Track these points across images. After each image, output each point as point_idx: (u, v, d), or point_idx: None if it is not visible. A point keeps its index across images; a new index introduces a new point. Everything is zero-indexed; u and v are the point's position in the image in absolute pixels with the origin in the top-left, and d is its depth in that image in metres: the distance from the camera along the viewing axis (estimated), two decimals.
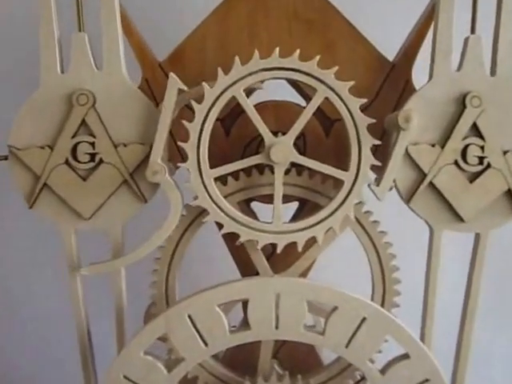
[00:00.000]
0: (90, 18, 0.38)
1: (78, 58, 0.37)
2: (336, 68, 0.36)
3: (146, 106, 0.38)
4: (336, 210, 0.37)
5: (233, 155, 0.42)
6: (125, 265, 0.39)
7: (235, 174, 0.39)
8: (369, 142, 0.36)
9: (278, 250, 0.37)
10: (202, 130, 0.36)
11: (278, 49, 0.35)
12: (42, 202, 0.38)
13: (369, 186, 0.37)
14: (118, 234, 0.39)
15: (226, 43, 0.41)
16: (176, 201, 0.37)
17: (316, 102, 0.36)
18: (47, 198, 0.38)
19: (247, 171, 0.39)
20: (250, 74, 0.36)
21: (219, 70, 0.35)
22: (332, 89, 0.36)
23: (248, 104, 0.36)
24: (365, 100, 0.36)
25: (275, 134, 0.38)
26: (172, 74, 0.36)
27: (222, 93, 0.36)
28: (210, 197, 0.37)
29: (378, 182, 0.37)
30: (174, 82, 0.36)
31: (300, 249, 0.37)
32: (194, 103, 0.36)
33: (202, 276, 0.49)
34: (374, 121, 0.36)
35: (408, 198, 0.39)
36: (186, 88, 0.36)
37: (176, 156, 0.40)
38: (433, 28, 0.37)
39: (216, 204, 0.37)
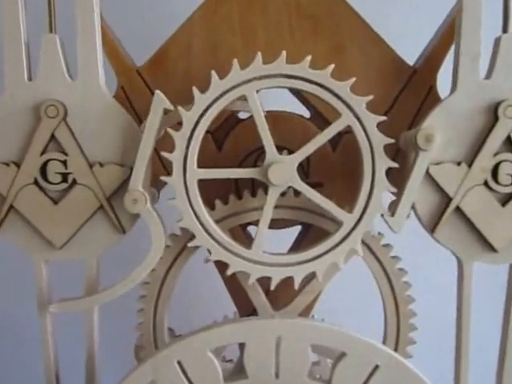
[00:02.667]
0: (63, 18, 0.33)
1: (48, 63, 0.33)
2: (353, 80, 0.31)
3: (126, 122, 0.33)
4: (340, 242, 0.32)
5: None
6: (98, 304, 0.35)
7: (224, 198, 0.35)
8: (384, 164, 0.31)
9: (272, 287, 0.33)
10: (190, 141, 0.31)
11: (284, 52, 0.30)
12: (9, 226, 0.34)
13: (382, 216, 0.32)
14: (92, 267, 0.35)
15: (215, 45, 0.35)
16: (158, 235, 0.33)
17: (337, 127, 0.31)
18: (15, 222, 0.34)
19: (238, 194, 0.35)
20: (250, 81, 0.31)
21: (213, 73, 0.31)
22: (349, 106, 0.31)
23: (259, 109, 0.31)
24: (383, 118, 0.31)
25: (276, 147, 0.32)
26: (158, 92, 0.31)
27: (216, 100, 0.31)
28: (197, 217, 0.32)
29: (392, 209, 0.32)
30: (160, 101, 0.31)
31: (297, 286, 0.33)
32: (180, 109, 0.31)
33: (193, 313, 0.44)
34: (392, 141, 0.31)
35: (432, 228, 0.34)
36: (172, 107, 0.31)
37: (160, 172, 0.35)
38: (456, 29, 0.32)
39: (203, 226, 0.32)
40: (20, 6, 0.32)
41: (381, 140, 0.31)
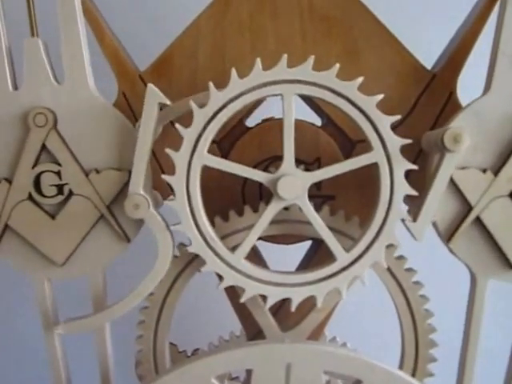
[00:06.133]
0: (47, 19, 0.31)
1: (32, 69, 0.31)
2: (360, 79, 0.28)
3: (120, 124, 0.31)
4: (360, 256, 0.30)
5: (232, 185, 0.35)
6: (109, 320, 0.33)
7: (225, 215, 0.33)
8: (402, 167, 0.29)
9: (267, 305, 0.31)
10: (190, 164, 0.29)
11: (312, 57, 0.28)
12: (6, 247, 0.32)
13: (403, 221, 0.30)
14: (98, 281, 0.33)
15: (222, 48, 0.33)
16: (164, 241, 0.31)
17: (367, 159, 0.29)
18: (11, 242, 0.32)
19: (239, 210, 0.33)
20: (266, 85, 0.29)
21: (233, 71, 0.28)
22: (357, 106, 0.29)
23: (292, 114, 0.29)
24: (398, 117, 0.29)
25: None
26: (151, 85, 0.29)
27: (224, 106, 0.29)
28: (219, 256, 0.30)
29: (413, 215, 0.30)
30: (153, 95, 0.29)
31: (293, 309, 0.30)
32: (179, 127, 0.29)
33: (196, 335, 0.42)
34: (409, 141, 0.29)
35: (448, 237, 0.31)
36: (168, 102, 0.29)
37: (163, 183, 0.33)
38: (496, 26, 0.30)
39: (213, 250, 0.30)
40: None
41: (396, 142, 0.29)
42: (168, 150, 0.29)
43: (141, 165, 0.30)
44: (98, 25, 0.33)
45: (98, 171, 0.31)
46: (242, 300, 0.31)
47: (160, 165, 0.34)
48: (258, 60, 0.28)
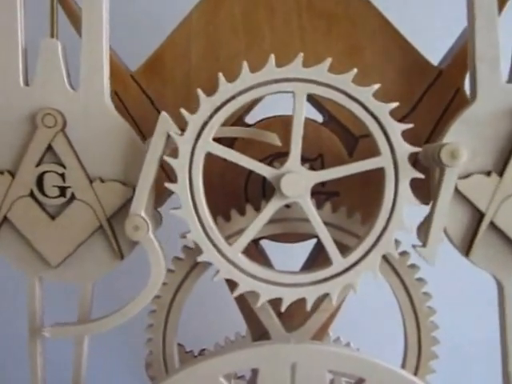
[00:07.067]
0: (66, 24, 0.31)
1: (47, 69, 0.30)
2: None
3: (129, 138, 0.31)
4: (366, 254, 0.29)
5: (235, 182, 0.35)
6: (88, 334, 0.33)
7: (226, 215, 0.33)
8: (408, 175, 0.28)
9: (283, 308, 0.31)
10: (194, 149, 0.29)
11: (329, 59, 0.28)
12: (3, 239, 0.32)
13: (413, 247, 0.29)
14: (86, 293, 0.33)
15: (215, 46, 0.33)
16: (157, 267, 0.31)
17: (375, 163, 0.29)
18: (8, 235, 0.32)
19: (241, 209, 0.33)
20: (278, 82, 0.28)
21: (244, 64, 0.28)
22: (370, 111, 0.28)
23: (302, 112, 0.29)
24: (410, 125, 0.28)
25: (287, 154, 0.30)
26: (164, 114, 0.29)
27: (227, 102, 0.28)
28: (217, 248, 0.30)
29: (423, 238, 0.29)
30: (165, 124, 0.29)
31: (283, 309, 0.31)
32: (183, 112, 0.29)
33: (202, 336, 0.42)
34: (418, 149, 0.28)
35: (467, 249, 0.31)
36: (179, 132, 0.29)
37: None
38: (468, 34, 0.29)
39: (211, 240, 0.30)
40: (19, 7, 0.30)
41: (405, 150, 0.28)
42: (172, 133, 0.28)
43: (145, 187, 0.29)
44: None
45: (102, 180, 0.31)
46: (234, 294, 0.30)
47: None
48: (272, 56, 0.28)
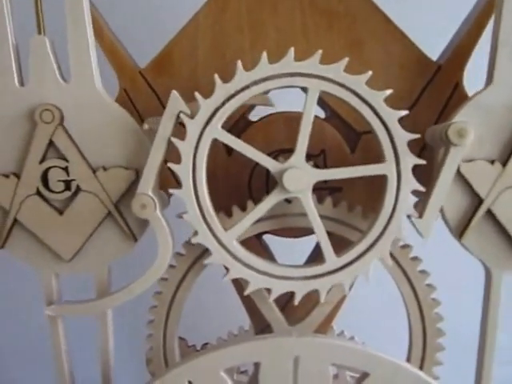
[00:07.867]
0: (53, 17, 0.31)
1: (39, 66, 0.31)
2: (369, 73, 0.28)
3: (126, 122, 0.31)
4: (367, 250, 0.29)
5: (239, 177, 0.35)
6: (112, 306, 0.33)
7: (228, 211, 0.33)
8: (410, 187, 0.28)
9: (246, 292, 0.31)
10: (202, 134, 0.29)
11: (346, 59, 0.28)
12: (15, 241, 0.33)
13: (409, 217, 0.29)
14: (103, 278, 0.33)
15: (221, 44, 0.33)
16: (165, 245, 0.31)
17: (379, 169, 0.29)
18: (20, 236, 0.33)
19: (243, 205, 0.33)
20: (293, 76, 0.28)
21: (264, 54, 0.28)
22: (379, 116, 0.28)
23: (312, 108, 0.29)
24: (405, 112, 0.28)
25: (290, 151, 0.30)
26: (175, 92, 0.29)
27: (229, 98, 0.29)
28: (212, 231, 0.30)
29: (419, 211, 0.29)
30: (176, 103, 0.29)
31: (271, 299, 0.31)
32: (197, 95, 0.29)
33: (205, 330, 0.42)
34: (417, 136, 0.28)
35: (460, 233, 0.31)
36: (189, 112, 0.29)
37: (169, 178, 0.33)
38: (494, 17, 0.29)
39: (207, 224, 0.30)
40: (5, 7, 0.30)
41: (403, 136, 0.28)
42: (182, 115, 0.29)
43: (153, 166, 0.30)
44: (97, 23, 0.33)
45: (105, 168, 0.31)
46: (226, 278, 0.30)
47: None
48: (292, 49, 0.28)
